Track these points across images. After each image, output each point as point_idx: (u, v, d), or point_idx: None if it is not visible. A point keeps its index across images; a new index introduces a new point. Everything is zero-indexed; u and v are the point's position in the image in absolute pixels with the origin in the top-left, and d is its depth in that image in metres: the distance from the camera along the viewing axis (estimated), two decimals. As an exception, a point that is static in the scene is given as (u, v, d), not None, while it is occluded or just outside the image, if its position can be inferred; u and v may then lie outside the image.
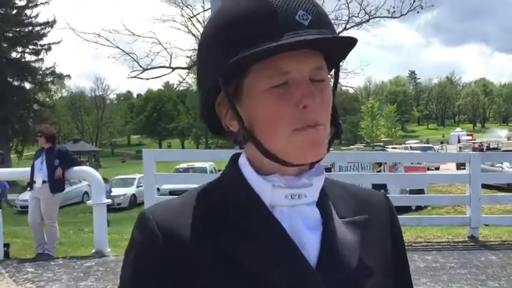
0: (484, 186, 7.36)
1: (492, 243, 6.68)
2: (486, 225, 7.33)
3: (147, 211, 0.75)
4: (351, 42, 0.71)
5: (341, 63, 0.79)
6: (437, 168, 28.62)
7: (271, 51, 0.67)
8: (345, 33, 17.27)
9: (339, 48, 0.73)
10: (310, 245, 0.72)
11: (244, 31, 0.69)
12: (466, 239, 6.85)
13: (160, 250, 0.71)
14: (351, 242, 0.75)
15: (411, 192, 13.53)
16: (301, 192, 0.74)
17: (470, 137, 59.00)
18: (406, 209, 12.64)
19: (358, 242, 0.75)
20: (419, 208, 14.58)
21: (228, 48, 0.70)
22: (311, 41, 0.67)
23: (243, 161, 0.77)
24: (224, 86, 0.72)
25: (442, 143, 56.26)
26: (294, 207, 0.74)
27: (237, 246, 0.70)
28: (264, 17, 0.69)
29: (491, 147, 43.03)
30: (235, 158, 0.80)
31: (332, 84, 0.76)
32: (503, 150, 30.14)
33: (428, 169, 22.03)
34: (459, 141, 53.83)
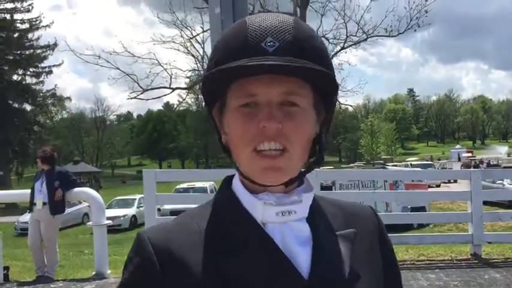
0: (485, 203, 7.31)
1: (495, 260, 6.62)
2: (489, 242, 7.28)
3: (143, 233, 0.78)
4: (312, 71, 0.72)
5: (337, 98, 0.81)
6: (438, 186, 28.55)
7: (213, 75, 0.73)
8: (342, 52, 17.38)
9: (315, 78, 0.75)
10: (301, 259, 0.74)
11: (220, 54, 0.76)
12: (469, 256, 6.79)
13: (156, 272, 0.73)
14: (341, 256, 0.77)
15: (413, 209, 13.46)
16: (291, 208, 0.76)
17: (470, 154, 58.99)
18: (407, 227, 12.55)
19: (348, 255, 0.77)
20: (421, 226, 14.47)
21: (208, 68, 0.77)
22: (249, 66, 0.70)
23: (235, 181, 0.81)
24: (205, 101, 0.80)
25: (439, 159, 56.16)
26: (285, 223, 0.76)
27: (231, 263, 0.72)
28: (236, 42, 0.74)
29: (491, 163, 42.97)
30: (228, 179, 0.83)
31: (315, 114, 0.78)
32: (504, 167, 30.10)
33: (429, 186, 21.96)
34: (459, 159, 53.81)
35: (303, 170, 0.79)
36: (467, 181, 7.04)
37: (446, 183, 31.02)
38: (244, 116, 0.74)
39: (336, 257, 0.76)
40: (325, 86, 0.77)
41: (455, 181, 30.11)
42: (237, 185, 0.80)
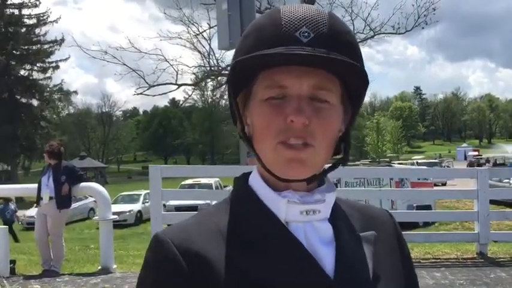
0: (492, 202, 7.28)
1: (501, 259, 6.59)
2: (495, 241, 7.25)
3: (162, 234, 0.73)
4: (347, 65, 0.69)
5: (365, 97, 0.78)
6: (444, 184, 28.43)
7: (247, 61, 0.70)
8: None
9: (348, 73, 0.72)
10: (326, 259, 0.73)
11: (250, 41, 0.73)
12: (475, 255, 6.76)
13: (183, 274, 0.70)
14: (364, 257, 0.75)
15: (418, 208, 13.42)
16: (315, 208, 0.74)
17: (476, 153, 58.69)
18: (413, 225, 12.51)
19: (370, 257, 0.76)
20: (426, 224, 14.44)
21: (237, 56, 0.75)
22: (293, 55, 0.68)
23: (254, 177, 0.78)
24: (231, 88, 0.76)
25: (440, 156, 55.84)
26: (308, 222, 0.74)
27: (257, 264, 0.70)
28: (270, 30, 0.71)
29: (498, 162, 42.73)
30: (245, 175, 0.81)
31: (343, 111, 0.76)
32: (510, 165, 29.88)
33: (435, 185, 21.88)
34: (465, 157, 53.53)
35: (326, 167, 0.77)
36: (469, 180, 7.01)
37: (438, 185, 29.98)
38: (271, 109, 0.71)
39: (359, 259, 0.75)
40: (355, 83, 0.74)
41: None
42: (257, 182, 0.77)
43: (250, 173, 0.81)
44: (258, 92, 0.73)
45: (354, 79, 0.73)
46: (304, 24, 0.70)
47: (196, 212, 0.81)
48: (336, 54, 0.69)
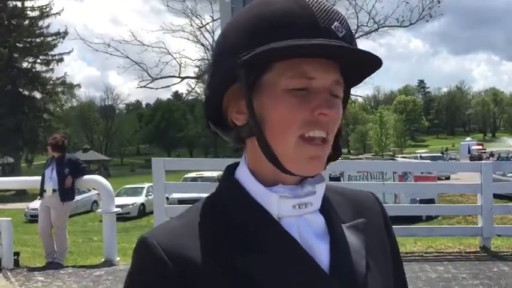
0: (495, 196, 7.26)
1: (505, 253, 6.58)
2: (498, 235, 7.23)
3: (149, 237, 0.70)
4: (377, 63, 0.70)
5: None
6: (447, 178, 28.38)
7: (308, 49, 0.66)
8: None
9: (360, 69, 0.73)
10: (320, 252, 0.72)
11: (281, 24, 0.68)
12: (478, 249, 6.75)
13: (173, 279, 0.67)
14: (357, 247, 0.75)
15: (421, 202, 13.42)
16: (307, 200, 0.73)
17: (480, 147, 58.52)
18: (416, 219, 12.51)
19: (362, 247, 0.75)
20: (429, 218, 14.43)
21: (259, 38, 0.68)
22: (347, 48, 0.67)
23: (242, 171, 0.75)
24: (246, 75, 0.69)
25: (446, 150, 55.69)
26: (300, 216, 0.73)
27: (252, 263, 0.68)
28: (304, 17, 0.68)
29: (501, 156, 42.61)
30: (230, 168, 0.77)
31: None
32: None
33: (439, 179, 21.85)
34: (469, 151, 53.42)
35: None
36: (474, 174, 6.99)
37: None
38: (297, 100, 0.68)
39: (353, 248, 0.74)
40: (359, 78, 0.75)
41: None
42: (245, 176, 0.74)
43: (234, 165, 0.77)
44: (281, 82, 0.68)
45: (359, 75, 0.74)
46: (336, 19, 0.69)
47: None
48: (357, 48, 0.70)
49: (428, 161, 25.27)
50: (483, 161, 11.03)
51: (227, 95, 0.73)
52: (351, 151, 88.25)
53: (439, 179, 21.77)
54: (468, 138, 75.78)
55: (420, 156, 38.46)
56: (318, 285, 0.70)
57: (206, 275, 0.67)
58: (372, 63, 0.70)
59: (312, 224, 0.73)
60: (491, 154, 44.06)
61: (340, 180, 12.95)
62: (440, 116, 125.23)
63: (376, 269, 0.76)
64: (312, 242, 0.72)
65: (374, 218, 0.83)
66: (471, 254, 6.54)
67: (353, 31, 0.74)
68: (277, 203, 0.71)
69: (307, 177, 0.74)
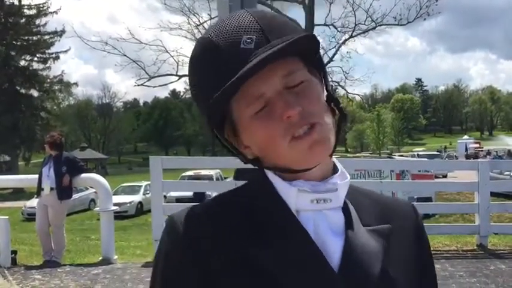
0: (492, 194, 7.28)
1: (501, 251, 6.61)
2: (495, 233, 7.26)
3: (176, 217, 0.76)
4: (303, 41, 0.70)
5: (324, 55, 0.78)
6: (444, 176, 28.43)
7: (226, 95, 0.69)
8: (351, 41, 17.22)
9: (302, 47, 0.73)
10: (333, 250, 0.72)
11: (210, 78, 0.72)
12: (475, 247, 6.78)
13: (190, 257, 0.71)
14: (374, 250, 0.74)
15: (419, 200, 13.43)
16: (326, 196, 0.74)
17: (477, 145, 58.62)
18: (413, 217, 12.51)
19: (381, 251, 0.74)
20: (427, 216, 14.46)
21: (203, 101, 0.74)
22: (263, 59, 0.67)
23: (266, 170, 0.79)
24: (219, 133, 0.77)
25: (445, 148, 55.75)
26: (319, 211, 0.74)
27: (263, 254, 0.70)
28: (212, 59, 0.71)
29: (499, 155, 42.72)
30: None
31: (316, 78, 0.76)
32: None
33: (436, 177, 21.90)
34: (466, 150, 53.50)
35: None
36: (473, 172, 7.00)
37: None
38: (264, 118, 0.71)
39: (369, 251, 0.73)
40: (309, 50, 0.74)
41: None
42: (269, 173, 0.78)
43: None
44: (243, 113, 0.73)
45: (308, 47, 0.74)
46: (243, 32, 0.70)
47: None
48: (283, 39, 0.70)
49: (426, 159, 25.32)
50: (480, 159, 11.05)
51: (226, 136, 0.78)
52: (349, 149, 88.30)
53: (436, 177, 21.81)
54: (465, 137, 75.78)
55: (417, 155, 38.54)
56: (323, 281, 0.70)
57: (221, 258, 0.71)
58: (301, 42, 0.70)
59: (330, 220, 0.74)
60: (488, 152, 44.15)
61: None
62: (438, 114, 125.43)
63: (395, 278, 0.74)
64: (326, 237, 0.73)
65: (404, 228, 0.81)
66: (468, 252, 6.56)
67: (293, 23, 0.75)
68: (295, 196, 0.73)
69: (332, 174, 0.77)
